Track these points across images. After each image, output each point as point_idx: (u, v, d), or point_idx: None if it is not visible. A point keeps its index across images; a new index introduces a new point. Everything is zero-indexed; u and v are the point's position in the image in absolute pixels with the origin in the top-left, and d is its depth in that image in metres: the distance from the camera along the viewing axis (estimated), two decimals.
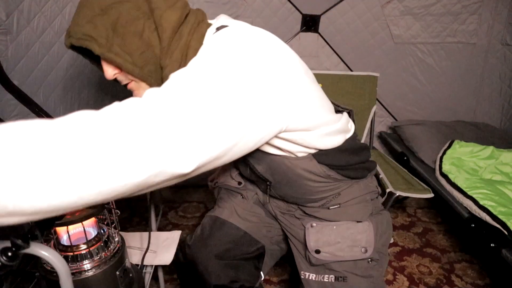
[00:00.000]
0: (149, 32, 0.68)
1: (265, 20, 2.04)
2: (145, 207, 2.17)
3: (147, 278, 1.14)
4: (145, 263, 1.12)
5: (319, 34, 2.18)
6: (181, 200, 2.31)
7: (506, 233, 1.30)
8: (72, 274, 0.69)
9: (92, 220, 0.83)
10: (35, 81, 1.37)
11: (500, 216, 1.35)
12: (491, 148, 1.79)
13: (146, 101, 0.51)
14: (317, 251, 0.86)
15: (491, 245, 1.29)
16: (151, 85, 0.73)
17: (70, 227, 0.79)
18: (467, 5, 2.09)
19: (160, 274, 1.46)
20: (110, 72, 0.73)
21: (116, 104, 0.49)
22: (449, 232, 2.01)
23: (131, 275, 0.91)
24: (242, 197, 1.07)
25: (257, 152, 0.79)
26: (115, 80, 0.77)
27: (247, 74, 0.59)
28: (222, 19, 0.79)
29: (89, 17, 0.66)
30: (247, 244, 1.03)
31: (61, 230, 0.81)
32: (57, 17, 1.42)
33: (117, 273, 0.84)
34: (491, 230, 1.35)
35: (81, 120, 0.45)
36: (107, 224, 0.89)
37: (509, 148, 1.84)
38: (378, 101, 2.28)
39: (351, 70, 2.22)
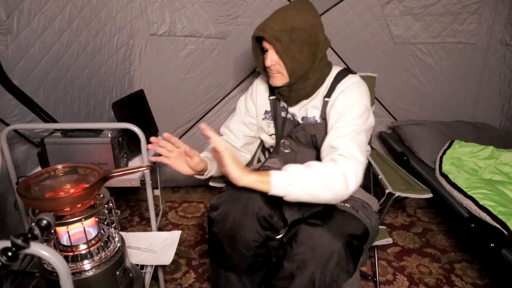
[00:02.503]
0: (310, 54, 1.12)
1: None
2: (145, 207, 2.17)
3: (147, 278, 1.15)
4: (145, 263, 1.12)
5: None
6: (181, 200, 2.32)
7: (506, 233, 1.30)
8: (72, 274, 0.69)
9: (92, 220, 0.83)
10: (35, 81, 1.37)
11: (500, 216, 1.35)
12: (491, 148, 1.79)
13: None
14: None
15: (491, 245, 1.29)
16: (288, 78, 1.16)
17: (70, 227, 0.79)
18: (467, 5, 2.10)
19: (160, 274, 1.46)
20: (272, 61, 1.14)
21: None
22: (449, 232, 2.01)
23: (131, 275, 0.92)
24: None
25: None
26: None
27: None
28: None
29: (281, 28, 1.11)
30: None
31: (61, 230, 0.81)
32: (57, 17, 1.42)
33: (117, 273, 0.84)
34: (491, 230, 1.35)
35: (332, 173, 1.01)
36: (107, 224, 0.89)
37: (509, 148, 1.85)
38: (378, 101, 2.29)
39: None
